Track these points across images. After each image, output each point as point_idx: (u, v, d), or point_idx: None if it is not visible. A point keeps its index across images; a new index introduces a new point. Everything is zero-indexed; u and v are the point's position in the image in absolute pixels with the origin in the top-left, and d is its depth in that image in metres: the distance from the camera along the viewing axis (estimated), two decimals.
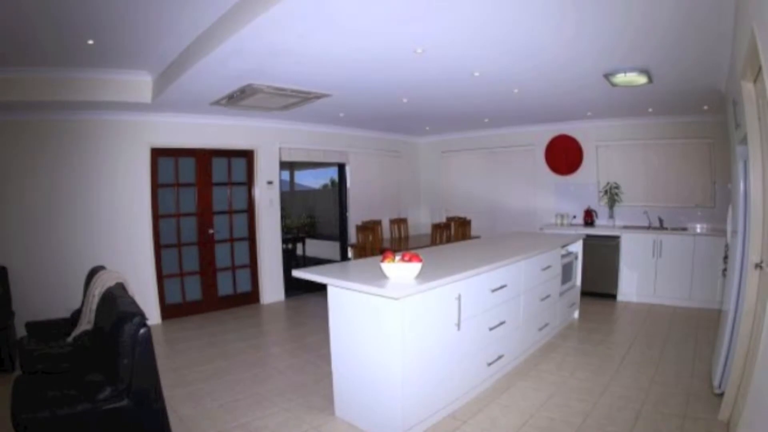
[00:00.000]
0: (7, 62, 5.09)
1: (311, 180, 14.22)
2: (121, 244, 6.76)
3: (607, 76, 5.40)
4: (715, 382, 4.03)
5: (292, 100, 6.36)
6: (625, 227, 8.18)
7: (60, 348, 4.14)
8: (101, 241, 6.58)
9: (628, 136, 8.48)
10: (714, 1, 3.36)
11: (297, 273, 4.11)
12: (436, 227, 8.39)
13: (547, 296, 5.63)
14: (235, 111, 7.04)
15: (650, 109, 7.52)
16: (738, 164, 3.86)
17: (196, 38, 4.62)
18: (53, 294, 6.02)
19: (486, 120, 8.92)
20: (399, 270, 3.55)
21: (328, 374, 4.16)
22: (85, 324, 4.31)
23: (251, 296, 8.31)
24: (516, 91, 6.25)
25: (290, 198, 13.05)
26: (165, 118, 7.02)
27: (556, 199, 9.30)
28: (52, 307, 5.61)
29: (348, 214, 9.81)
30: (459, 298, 3.94)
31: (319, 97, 6.26)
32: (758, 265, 3.20)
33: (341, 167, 9.86)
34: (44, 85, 5.51)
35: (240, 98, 6.04)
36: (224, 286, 8.05)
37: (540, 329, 5.50)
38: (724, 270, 4.83)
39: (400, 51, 4.48)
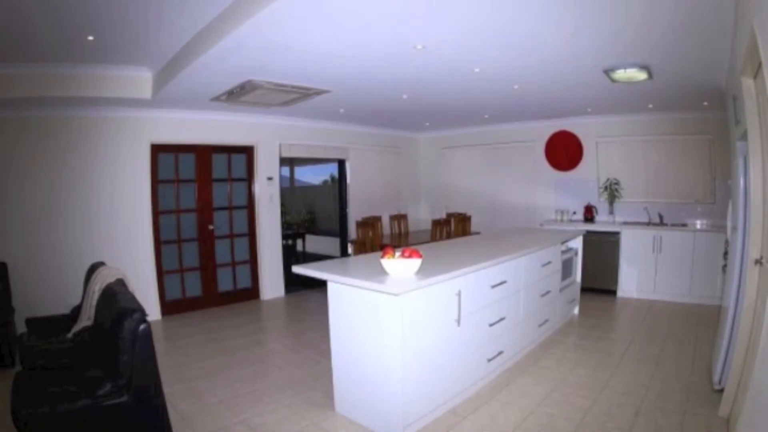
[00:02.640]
0: (6, 58, 5.08)
1: (311, 176, 14.18)
2: (121, 240, 6.76)
3: (607, 72, 5.38)
4: (715, 379, 4.03)
5: (292, 96, 6.34)
6: (625, 223, 8.18)
7: (60, 344, 4.13)
8: (101, 237, 6.58)
9: (628, 132, 8.46)
10: None
11: (297, 269, 4.10)
12: (436, 223, 8.39)
13: (547, 292, 5.63)
14: (235, 107, 7.03)
15: (650, 105, 7.52)
16: (738, 160, 3.86)
17: (196, 34, 4.60)
18: (53, 290, 6.02)
19: (486, 116, 8.89)
20: (399, 266, 3.54)
21: (328, 370, 4.16)
22: (85, 320, 4.31)
23: (251, 292, 8.32)
24: (516, 87, 6.24)
25: (290, 194, 13.01)
26: (165, 114, 7.01)
27: (556, 195, 9.29)
28: (52, 304, 5.64)
29: (348, 210, 9.81)
30: (459, 294, 3.94)
31: (319, 93, 6.24)
32: (758, 261, 3.20)
33: (341, 163, 9.86)
34: (44, 81, 5.49)
35: (240, 94, 6.02)
36: (224, 282, 8.05)
37: (540, 325, 5.50)
38: (724, 266, 4.83)
39: (400, 47, 4.46)
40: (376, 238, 8.08)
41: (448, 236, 8.32)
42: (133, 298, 3.65)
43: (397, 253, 3.62)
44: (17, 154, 6.05)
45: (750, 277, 3.32)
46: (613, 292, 7.95)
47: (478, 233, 8.49)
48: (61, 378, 3.34)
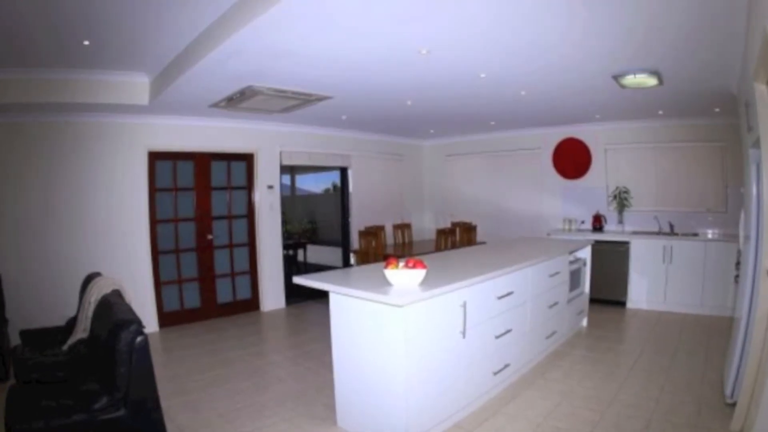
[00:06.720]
0: (1, 63, 5.04)
1: (313, 184, 14.15)
2: (117, 249, 6.68)
3: (617, 77, 5.32)
4: (727, 392, 3.96)
5: (292, 102, 6.29)
6: (635, 233, 8.09)
7: (55, 356, 4.13)
8: (97, 247, 6.51)
9: (637, 139, 8.37)
10: (725, 0, 3.28)
11: (298, 280, 4.05)
12: (441, 232, 8.32)
13: (555, 303, 5.54)
14: (235, 113, 6.98)
15: (660, 112, 7.45)
16: (750, 168, 3.81)
17: (195, 39, 4.55)
18: (48, 301, 5.97)
19: (492, 123, 8.85)
20: (403, 277, 3.48)
21: (330, 383, 4.10)
22: (81, 332, 4.29)
23: (251, 303, 8.22)
24: (523, 93, 6.18)
25: (291, 202, 12.97)
26: (163, 120, 6.94)
27: (563, 204, 9.19)
28: (47, 315, 5.59)
29: (350, 219, 9.73)
30: (464, 306, 3.86)
31: (320, 99, 6.19)
32: None
33: (343, 171, 9.79)
34: (39, 86, 5.44)
35: (240, 100, 5.97)
36: (223, 293, 7.95)
37: (547, 337, 5.41)
38: (737, 276, 4.75)
39: (404, 52, 4.41)
40: (379, 248, 8.02)
41: (453, 246, 8.24)
42: (130, 310, 3.64)
43: (401, 264, 3.56)
44: (11, 161, 5.99)
45: (763, 287, 3.28)
46: (623, 303, 7.84)
47: (483, 243, 8.41)
48: (56, 392, 3.31)
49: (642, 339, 6.12)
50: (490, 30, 3.91)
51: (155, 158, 7.09)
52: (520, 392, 4.52)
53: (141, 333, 3.16)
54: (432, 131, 10.08)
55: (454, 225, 9.49)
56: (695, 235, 7.57)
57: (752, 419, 3.09)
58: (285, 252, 8.96)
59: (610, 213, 8.59)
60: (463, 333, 3.89)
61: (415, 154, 11.27)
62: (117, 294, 4.26)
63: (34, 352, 4.19)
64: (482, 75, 5.28)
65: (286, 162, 8.56)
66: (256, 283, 8.27)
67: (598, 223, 8.52)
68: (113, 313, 3.51)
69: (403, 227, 9.69)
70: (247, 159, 8.11)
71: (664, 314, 7.27)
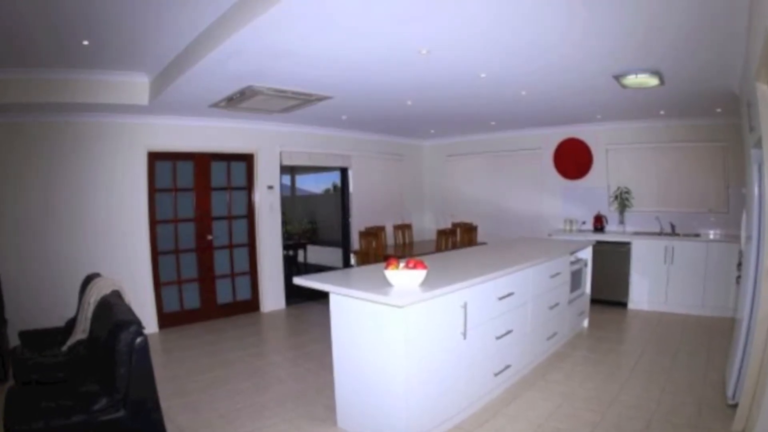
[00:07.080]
0: (1, 63, 5.02)
1: (313, 184, 14.12)
2: (117, 250, 6.66)
3: (617, 77, 5.30)
4: (729, 393, 3.95)
5: (292, 103, 6.27)
6: (636, 233, 8.06)
7: (54, 357, 4.12)
8: (97, 248, 6.49)
9: (639, 139, 8.35)
10: (726, 0, 3.28)
11: (298, 280, 4.05)
12: (442, 233, 8.31)
13: (556, 304, 5.52)
14: (235, 113, 6.97)
15: (662, 112, 7.43)
16: (752, 168, 3.80)
17: (195, 39, 4.54)
18: (47, 302, 5.94)
19: (493, 123, 8.83)
20: (403, 277, 3.48)
21: (330, 383, 4.10)
22: (80, 333, 4.28)
23: (251, 304, 8.20)
24: (524, 93, 6.16)
25: (291, 203, 12.92)
26: (163, 120, 6.92)
27: (564, 204, 9.17)
28: (46, 316, 5.55)
29: (351, 219, 9.71)
30: (465, 306, 3.85)
31: (320, 99, 6.18)
32: None
33: (344, 171, 9.77)
34: (39, 86, 5.42)
35: (240, 100, 5.96)
36: (223, 293, 7.93)
37: (548, 338, 5.39)
38: (738, 277, 4.74)
39: (404, 52, 4.40)
40: (380, 249, 8.01)
41: (454, 246, 8.23)
42: (130, 310, 3.62)
43: (402, 264, 3.56)
44: (11, 161, 5.98)
45: (764, 288, 3.27)
46: (624, 304, 7.82)
47: (484, 243, 8.39)
48: (55, 392, 3.30)
49: (643, 340, 6.11)
50: (490, 30, 3.90)
51: (155, 158, 7.07)
52: (521, 393, 4.51)
53: (141, 334, 3.15)
54: (432, 131, 10.07)
55: (455, 225, 9.48)
56: (697, 235, 7.55)
57: (753, 420, 3.09)
58: (285, 252, 8.94)
59: (611, 213, 8.58)
60: (464, 334, 3.88)
61: (415, 154, 11.25)
62: (116, 295, 4.24)
63: (33, 352, 4.18)
64: (482, 75, 5.27)
65: (286, 162, 8.54)
66: (256, 284, 8.25)
67: (599, 223, 8.50)
68: (113, 313, 3.50)
69: (404, 228, 9.67)
70: (247, 159, 8.09)
71: (666, 315, 7.25)
